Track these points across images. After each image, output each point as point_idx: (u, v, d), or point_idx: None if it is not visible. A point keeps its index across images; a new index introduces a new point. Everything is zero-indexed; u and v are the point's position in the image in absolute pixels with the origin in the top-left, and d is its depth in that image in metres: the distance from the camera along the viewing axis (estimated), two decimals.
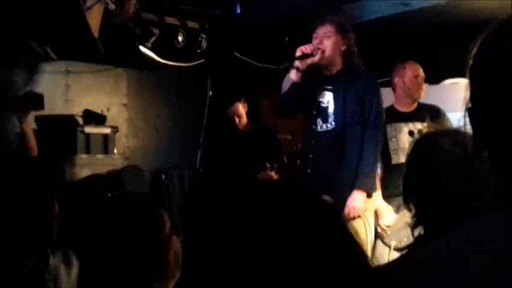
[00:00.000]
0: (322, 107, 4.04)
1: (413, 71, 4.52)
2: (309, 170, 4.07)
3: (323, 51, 3.95)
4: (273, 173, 4.92)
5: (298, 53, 3.95)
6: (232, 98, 5.47)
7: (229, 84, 6.00)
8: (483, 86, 0.99)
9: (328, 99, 4.03)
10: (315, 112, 4.06)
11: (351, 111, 3.95)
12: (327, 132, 4.02)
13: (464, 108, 1.03)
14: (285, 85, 4.06)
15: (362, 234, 3.93)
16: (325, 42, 3.96)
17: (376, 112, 3.98)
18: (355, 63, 4.05)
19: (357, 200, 3.89)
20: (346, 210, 3.88)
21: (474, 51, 1.02)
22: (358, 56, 4.07)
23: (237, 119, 5.37)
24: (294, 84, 4.00)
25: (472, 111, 1.01)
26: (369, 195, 3.95)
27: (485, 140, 1.00)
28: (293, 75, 4.00)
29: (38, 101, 4.23)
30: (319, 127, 4.05)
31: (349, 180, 3.93)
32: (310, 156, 4.10)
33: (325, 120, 4.02)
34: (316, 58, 3.94)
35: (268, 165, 4.93)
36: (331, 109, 4.01)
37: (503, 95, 0.94)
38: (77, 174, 5.43)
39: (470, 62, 1.02)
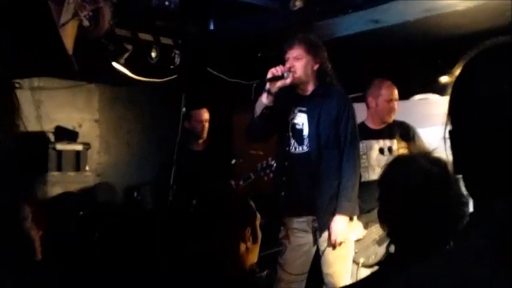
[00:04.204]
0: (297, 128, 4.01)
1: (388, 95, 4.55)
2: (283, 193, 4.02)
3: (294, 73, 3.92)
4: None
5: (269, 75, 3.91)
6: (199, 102, 5.39)
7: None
8: (464, 112, 1.03)
9: (302, 120, 4.00)
10: (289, 134, 4.02)
11: (326, 133, 3.93)
12: (302, 154, 3.98)
13: (444, 129, 1.07)
14: (257, 108, 4.02)
15: (330, 254, 3.94)
16: (296, 64, 3.93)
17: (351, 134, 3.97)
18: (328, 81, 4.03)
19: (340, 226, 3.87)
20: (332, 236, 3.87)
21: (455, 75, 1.07)
22: (331, 74, 4.05)
23: (201, 125, 5.27)
24: (266, 108, 3.96)
25: (453, 134, 1.05)
26: (351, 219, 3.95)
27: (464, 163, 1.04)
28: (264, 98, 3.95)
29: None
30: (293, 149, 4.01)
31: (327, 204, 3.91)
32: (284, 179, 4.05)
33: (300, 142, 3.99)
34: (288, 81, 3.90)
35: (233, 183, 4.87)
36: (306, 131, 3.97)
37: (483, 122, 0.98)
38: (48, 192, 5.37)
39: (451, 84, 1.07)
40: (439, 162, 1.76)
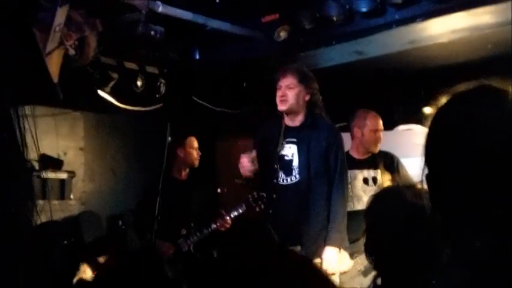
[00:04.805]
0: (286, 160, 4.02)
1: (373, 125, 4.57)
2: (269, 226, 4.02)
3: (286, 102, 3.95)
4: (229, 220, 4.78)
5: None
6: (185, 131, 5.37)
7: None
8: (439, 157, 1.06)
9: (292, 151, 4.01)
10: (277, 166, 4.02)
11: (315, 164, 3.94)
12: (290, 185, 3.99)
13: (421, 173, 1.09)
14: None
15: None
16: (288, 93, 3.96)
17: (341, 164, 3.99)
18: (318, 113, 4.06)
19: (331, 257, 3.88)
20: (323, 268, 3.86)
21: (428, 125, 1.10)
22: (321, 105, 4.08)
23: (195, 153, 5.22)
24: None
25: (429, 178, 1.08)
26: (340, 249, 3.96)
27: (441, 205, 1.06)
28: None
29: None
30: (281, 180, 4.01)
31: (317, 234, 3.92)
32: (270, 211, 4.06)
33: (288, 173, 4.00)
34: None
35: (224, 214, 4.80)
36: (295, 162, 3.98)
37: (460, 168, 1.01)
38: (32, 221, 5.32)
39: (427, 131, 1.09)
40: (422, 195, 1.77)
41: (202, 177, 5.48)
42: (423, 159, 1.09)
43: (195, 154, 5.17)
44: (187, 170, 5.22)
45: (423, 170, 1.09)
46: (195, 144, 5.21)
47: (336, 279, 3.98)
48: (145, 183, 5.12)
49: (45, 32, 4.11)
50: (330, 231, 3.89)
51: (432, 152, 1.08)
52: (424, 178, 1.09)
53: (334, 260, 3.88)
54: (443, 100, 1.10)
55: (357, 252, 4.21)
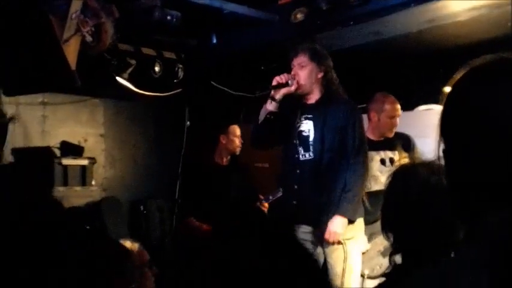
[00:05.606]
0: (303, 135, 4.03)
1: (391, 111, 4.56)
2: (295, 202, 4.02)
3: (298, 81, 3.98)
4: (266, 205, 4.95)
5: (273, 83, 3.97)
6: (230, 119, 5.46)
7: (206, 114, 6.04)
8: (457, 130, 1.04)
9: (309, 127, 4.02)
10: (296, 141, 4.04)
11: (330, 139, 3.94)
12: (308, 161, 4.00)
13: (437, 148, 1.08)
14: (261, 115, 4.06)
15: (338, 266, 3.93)
16: (300, 72, 3.99)
17: (359, 140, 3.98)
18: (334, 90, 4.06)
19: (336, 225, 3.87)
20: (326, 235, 3.88)
21: (446, 96, 1.08)
22: (337, 83, 4.08)
23: (237, 140, 5.32)
24: (270, 113, 4.00)
25: (447, 153, 1.07)
26: (350, 222, 3.94)
27: (457, 181, 1.05)
28: (269, 105, 4.00)
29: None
30: (301, 156, 4.02)
31: (331, 209, 3.90)
32: (295, 187, 4.04)
33: (306, 149, 4.00)
34: (292, 88, 3.95)
35: (261, 197, 4.95)
36: (311, 138, 3.99)
37: (477, 142, 0.99)
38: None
39: (443, 106, 1.08)
40: (438, 172, 1.77)
41: (241, 162, 5.55)
42: (439, 134, 1.08)
43: (237, 142, 5.31)
44: (229, 156, 5.34)
45: (439, 146, 1.08)
46: (238, 132, 5.33)
47: (343, 251, 3.95)
48: (183, 166, 5.21)
49: (62, 20, 4.14)
50: (341, 201, 3.88)
51: (449, 126, 1.07)
52: (440, 154, 1.08)
53: (339, 228, 3.86)
54: (461, 73, 1.08)
55: (375, 233, 4.20)
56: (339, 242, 3.90)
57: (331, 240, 3.87)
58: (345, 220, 3.89)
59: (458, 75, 1.08)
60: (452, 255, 1.62)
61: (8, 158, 4.86)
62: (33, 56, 4.18)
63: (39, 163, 5.56)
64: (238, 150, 5.31)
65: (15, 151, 5.30)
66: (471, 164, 1.01)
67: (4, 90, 4.75)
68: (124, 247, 1.82)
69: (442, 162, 1.09)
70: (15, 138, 5.45)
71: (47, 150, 5.75)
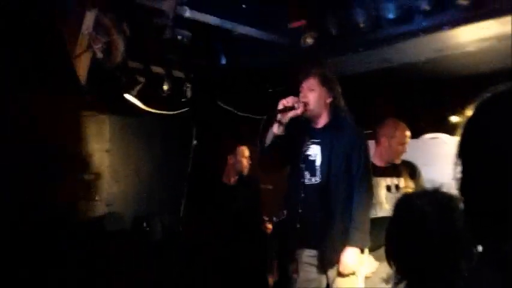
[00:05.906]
0: (310, 160, 4.00)
1: (402, 138, 4.55)
2: (298, 225, 3.99)
3: (306, 104, 3.97)
4: (270, 226, 4.98)
5: (280, 106, 3.94)
6: (237, 141, 5.51)
7: (213, 133, 6.05)
8: (476, 156, 1.05)
9: (315, 152, 4.00)
10: (302, 165, 4.02)
11: (337, 164, 3.92)
12: (314, 185, 3.97)
13: (454, 170, 1.08)
14: (268, 138, 4.05)
15: None
16: (309, 96, 3.98)
17: (364, 166, 3.96)
18: (342, 116, 4.05)
19: (350, 257, 3.83)
20: (340, 268, 3.84)
21: (466, 119, 1.08)
22: (345, 109, 4.07)
23: (245, 161, 5.36)
24: (277, 137, 3.99)
25: (464, 182, 1.07)
26: (362, 251, 3.91)
27: (474, 205, 1.05)
28: (276, 128, 3.97)
29: None
30: (306, 180, 3.99)
31: (338, 235, 3.87)
32: (300, 211, 4.01)
33: (313, 173, 3.98)
34: (299, 111, 3.94)
35: (266, 218, 4.99)
36: (318, 162, 3.97)
37: (495, 169, 1.00)
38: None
39: (462, 126, 1.08)
40: (436, 202, 1.79)
41: (250, 182, 5.58)
42: (456, 161, 1.08)
43: (245, 162, 5.38)
44: (236, 176, 5.39)
45: (454, 173, 1.08)
46: (246, 153, 5.39)
47: (357, 280, 3.94)
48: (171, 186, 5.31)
49: (74, 35, 4.18)
50: (351, 231, 3.84)
51: (465, 154, 1.07)
52: (454, 181, 1.08)
53: (353, 260, 3.83)
54: (479, 101, 1.08)
55: (379, 259, 4.18)
56: (353, 273, 3.87)
57: (345, 272, 3.83)
58: (357, 250, 3.86)
59: (479, 101, 1.09)
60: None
61: None
62: (45, 69, 4.21)
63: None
64: (245, 170, 5.35)
65: None
66: (487, 193, 1.01)
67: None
68: None
69: (456, 186, 1.09)
70: None
71: None
